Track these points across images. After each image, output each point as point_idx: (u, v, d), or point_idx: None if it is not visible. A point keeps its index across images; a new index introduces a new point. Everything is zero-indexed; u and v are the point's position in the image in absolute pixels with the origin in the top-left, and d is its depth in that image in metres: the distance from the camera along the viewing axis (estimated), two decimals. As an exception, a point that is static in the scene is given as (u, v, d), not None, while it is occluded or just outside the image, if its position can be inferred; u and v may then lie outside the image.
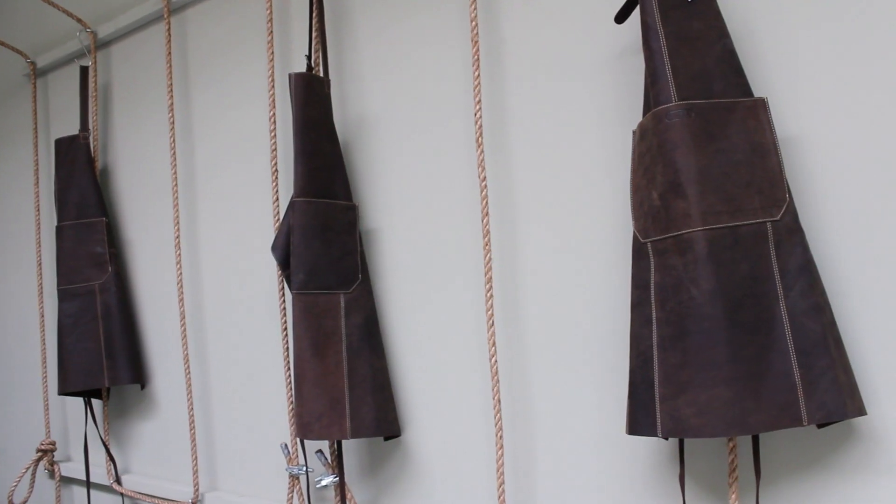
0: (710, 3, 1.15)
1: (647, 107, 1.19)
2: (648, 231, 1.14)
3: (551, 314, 1.41)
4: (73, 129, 2.51)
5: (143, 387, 2.28)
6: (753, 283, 1.08)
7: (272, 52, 1.80)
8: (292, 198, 1.57)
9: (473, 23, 1.43)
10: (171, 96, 2.08)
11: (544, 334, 1.42)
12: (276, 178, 1.77)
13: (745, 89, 1.13)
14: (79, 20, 2.33)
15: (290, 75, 1.60)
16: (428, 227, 1.58)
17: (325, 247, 1.56)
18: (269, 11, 1.81)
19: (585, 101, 1.38)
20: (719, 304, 1.07)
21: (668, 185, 1.11)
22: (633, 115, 1.32)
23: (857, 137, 1.12)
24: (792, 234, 1.09)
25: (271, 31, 1.81)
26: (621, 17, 1.27)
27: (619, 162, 1.34)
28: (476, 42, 1.43)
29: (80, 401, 2.56)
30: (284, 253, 1.62)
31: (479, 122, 1.40)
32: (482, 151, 1.39)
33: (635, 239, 1.18)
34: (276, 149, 1.76)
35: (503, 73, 1.49)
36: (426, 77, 1.60)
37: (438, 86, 1.58)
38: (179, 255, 2.06)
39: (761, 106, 1.12)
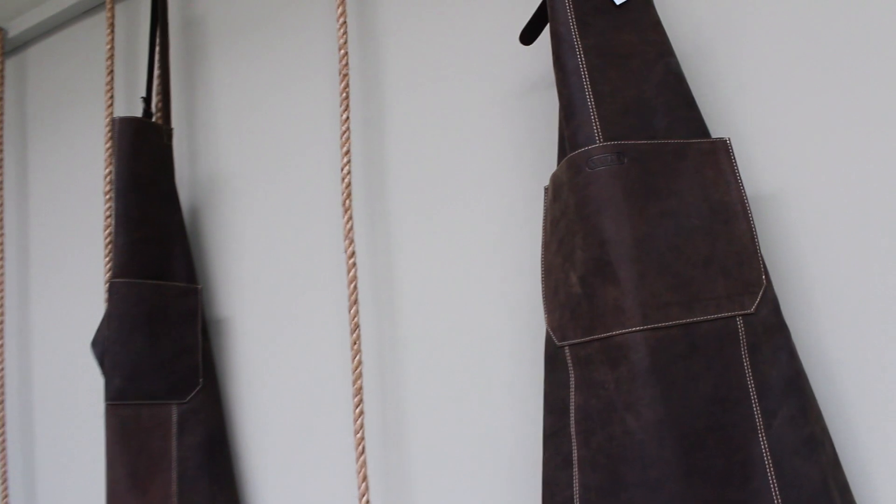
0: (645, 8, 0.83)
1: (562, 152, 0.85)
2: (566, 330, 0.79)
3: (440, 444, 1.04)
4: None
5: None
6: (720, 408, 0.73)
7: (111, 97, 1.43)
8: (109, 278, 1.19)
9: (342, 50, 1.09)
10: (1, 153, 1.69)
11: (430, 470, 1.04)
12: (111, 251, 1.38)
13: (699, 126, 0.80)
14: None
15: (112, 120, 1.24)
16: (293, 316, 1.21)
17: (152, 343, 1.18)
18: (109, 47, 1.46)
19: (484, 152, 1.04)
20: (669, 442, 0.72)
21: (591, 265, 0.76)
22: (547, 165, 0.98)
23: (860, 195, 0.79)
24: (772, 333, 0.75)
25: (111, 71, 1.45)
26: (528, 35, 0.94)
27: (528, 231, 0.99)
28: (345, 76, 1.08)
29: None
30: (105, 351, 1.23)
31: (346, 181, 1.05)
32: (350, 219, 1.03)
33: (549, 340, 0.83)
34: (110, 215, 1.38)
35: (380, 124, 1.15)
36: (294, 128, 1.25)
37: (308, 139, 1.23)
38: (2, 345, 1.64)
39: (722, 149, 0.78)
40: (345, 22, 1.10)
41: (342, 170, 1.06)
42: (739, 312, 0.75)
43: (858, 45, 0.80)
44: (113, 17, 1.47)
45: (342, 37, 1.10)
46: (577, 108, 0.77)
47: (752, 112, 0.85)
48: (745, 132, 0.85)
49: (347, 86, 1.09)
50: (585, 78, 0.78)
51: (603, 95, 0.78)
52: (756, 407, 0.73)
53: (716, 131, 0.86)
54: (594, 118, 0.77)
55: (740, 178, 0.78)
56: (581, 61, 0.78)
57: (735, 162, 0.78)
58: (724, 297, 0.75)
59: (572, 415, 0.78)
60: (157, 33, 1.35)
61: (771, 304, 0.76)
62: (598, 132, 0.76)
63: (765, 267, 0.76)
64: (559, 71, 0.79)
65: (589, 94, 0.77)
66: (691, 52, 0.88)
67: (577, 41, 0.79)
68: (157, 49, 1.35)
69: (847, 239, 0.79)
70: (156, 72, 1.35)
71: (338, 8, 1.11)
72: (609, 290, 0.74)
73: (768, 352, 0.75)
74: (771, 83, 0.84)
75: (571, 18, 0.80)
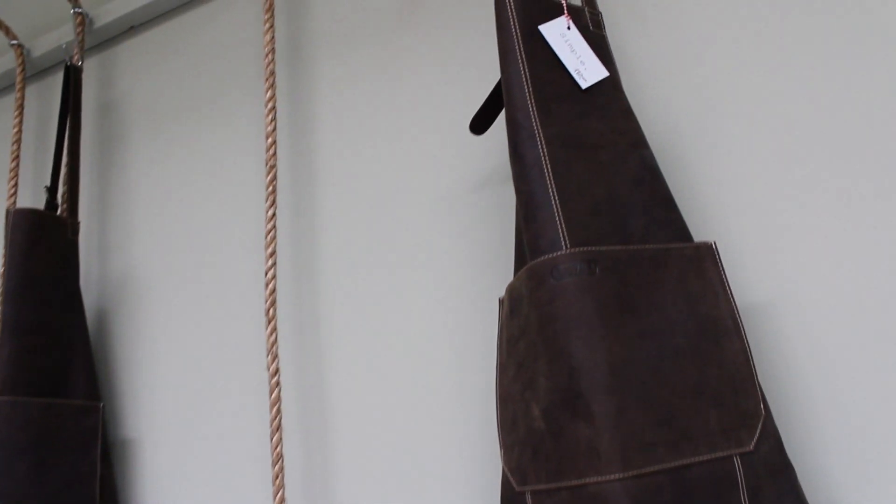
0: (614, 93, 0.73)
1: (520, 259, 0.73)
2: (527, 472, 0.65)
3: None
4: None
5: None
6: (718, 574, 0.59)
7: (15, 185, 1.29)
8: (-9, 395, 1.02)
9: (270, 138, 0.97)
10: None
11: None
12: None
13: (680, 228, 0.68)
14: None
15: (7, 211, 1.09)
16: (209, 439, 1.05)
17: (38, 472, 1.00)
18: (16, 131, 1.32)
19: (428, 256, 0.91)
20: None
21: (557, 396, 0.62)
22: (502, 273, 0.86)
23: (864, 303, 0.68)
24: (776, 474, 0.63)
25: (17, 157, 1.30)
26: (480, 124, 0.83)
27: (479, 349, 0.86)
28: (272, 167, 0.96)
29: None
30: (-16, 480, 1.04)
31: (270, 286, 0.91)
32: (274, 330, 0.89)
33: (506, 483, 0.69)
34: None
35: (311, 221, 1.02)
36: (217, 224, 1.12)
37: (231, 237, 1.10)
38: None
39: (708, 255, 0.67)
40: (273, 107, 0.98)
41: (266, 274, 0.92)
42: (737, 451, 0.62)
43: (854, 137, 0.71)
44: (23, 97, 1.34)
45: (270, 124, 0.98)
46: (538, 208, 0.65)
47: (737, 211, 0.74)
48: (730, 234, 0.74)
49: (275, 178, 0.96)
50: (548, 172, 0.66)
51: (569, 192, 0.66)
52: (761, 570, 0.60)
53: (698, 234, 0.75)
54: (559, 219, 0.65)
55: (730, 289, 0.67)
56: (543, 152, 0.67)
57: (723, 269, 0.67)
58: (718, 433, 0.62)
59: (537, 579, 0.64)
60: (69, 116, 1.22)
61: (772, 439, 0.63)
62: (563, 236, 0.64)
63: (763, 393, 0.64)
64: (517, 164, 0.68)
65: (552, 191, 0.65)
66: (668, 143, 0.78)
67: (537, 129, 0.67)
68: (68, 133, 1.21)
69: (853, 355, 0.68)
70: (64, 159, 1.21)
71: (266, 92, 0.99)
72: (580, 428, 0.61)
73: (772, 497, 0.62)
74: (757, 178, 0.74)
75: (531, 104, 0.69)
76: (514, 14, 0.71)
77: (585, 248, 0.63)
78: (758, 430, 0.63)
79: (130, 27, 1.32)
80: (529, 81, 0.69)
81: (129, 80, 1.30)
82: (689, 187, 0.76)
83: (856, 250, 0.69)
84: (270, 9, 1.05)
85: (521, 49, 0.70)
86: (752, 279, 0.73)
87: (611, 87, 0.73)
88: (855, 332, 0.68)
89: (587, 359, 0.61)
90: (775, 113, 0.74)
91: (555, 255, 0.63)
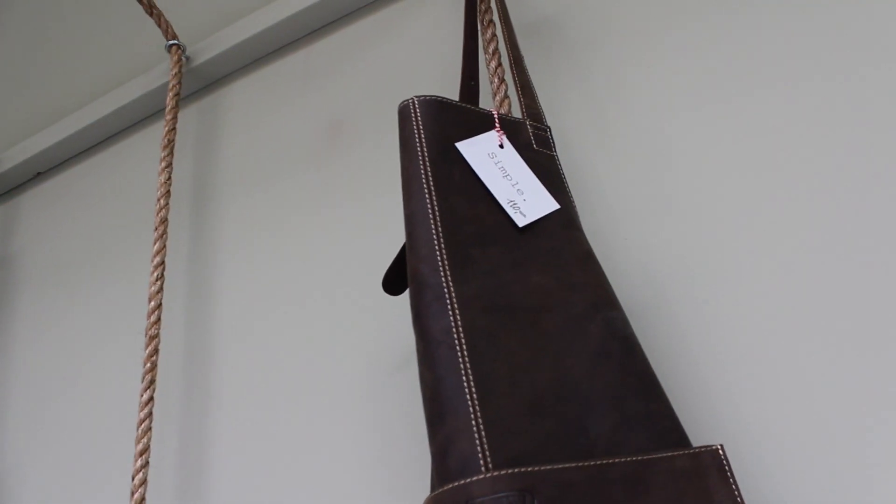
0: (567, 233, 0.52)
1: (433, 482, 0.50)
2: None
3: None
4: None
5: None
6: None
7: None
8: None
9: (153, 301, 0.76)
10: None
11: None
12: None
13: (670, 427, 0.46)
14: None
15: None
16: None
17: None
18: None
19: (335, 458, 0.69)
20: None
21: None
22: (422, 479, 0.63)
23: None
24: None
25: None
26: (393, 283, 0.62)
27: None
28: (154, 338, 0.75)
29: None
30: None
31: (138, 496, 0.68)
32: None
33: None
34: None
35: (201, 416, 0.80)
36: (97, 407, 0.90)
37: (108, 424, 0.88)
38: None
39: (713, 465, 0.45)
40: (162, 263, 0.79)
41: (133, 479, 0.69)
42: None
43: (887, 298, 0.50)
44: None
45: (155, 283, 0.78)
46: (446, 405, 0.43)
47: (750, 397, 0.52)
48: (743, 433, 0.51)
49: (156, 351, 0.75)
50: (462, 350, 0.44)
51: (493, 381, 0.44)
52: None
53: (698, 436, 0.52)
54: (477, 424, 0.42)
55: (747, 517, 0.44)
56: (454, 321, 0.45)
57: (737, 487, 0.44)
58: None
59: None
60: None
61: None
62: (483, 450, 0.41)
63: None
64: (420, 338, 0.46)
65: (467, 380, 0.43)
66: (647, 302, 0.56)
67: (447, 287, 0.46)
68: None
69: None
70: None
71: (154, 244, 0.80)
72: None
73: None
74: (774, 349, 0.52)
75: (440, 250, 0.48)
76: (420, 126, 0.52)
77: (518, 470, 0.41)
78: None
79: (37, 173, 1.15)
80: (438, 219, 0.48)
81: (30, 232, 1.11)
82: (681, 364, 0.54)
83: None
84: (169, 145, 0.88)
85: (429, 174, 0.50)
86: (766, 495, 0.49)
87: (562, 226, 0.53)
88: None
89: None
90: (793, 258, 0.54)
91: (468, 481, 0.41)
